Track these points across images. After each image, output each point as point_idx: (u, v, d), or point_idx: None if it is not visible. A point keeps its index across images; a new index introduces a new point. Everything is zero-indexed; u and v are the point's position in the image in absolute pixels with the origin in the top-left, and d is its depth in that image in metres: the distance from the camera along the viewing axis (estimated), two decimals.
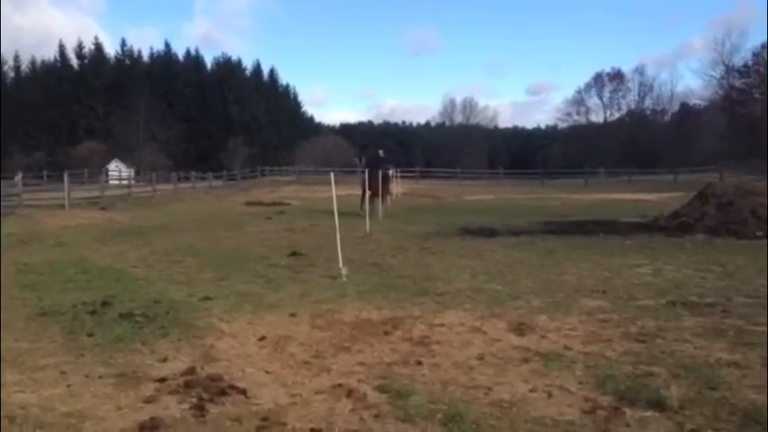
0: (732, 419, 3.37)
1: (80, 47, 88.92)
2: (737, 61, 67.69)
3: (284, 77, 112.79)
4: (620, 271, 8.23)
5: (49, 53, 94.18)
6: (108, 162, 65.35)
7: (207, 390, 3.91)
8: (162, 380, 4.14)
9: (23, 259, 10.39)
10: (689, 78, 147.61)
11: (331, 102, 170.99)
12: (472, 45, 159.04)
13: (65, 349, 4.96)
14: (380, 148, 22.23)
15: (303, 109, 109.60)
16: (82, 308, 6.33)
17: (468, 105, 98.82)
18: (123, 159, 67.67)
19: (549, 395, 3.78)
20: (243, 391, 3.90)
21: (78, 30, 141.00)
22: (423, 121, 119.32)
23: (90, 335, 5.32)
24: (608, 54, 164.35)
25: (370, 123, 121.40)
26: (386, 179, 19.40)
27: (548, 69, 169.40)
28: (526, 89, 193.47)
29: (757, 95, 63.05)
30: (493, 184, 49.33)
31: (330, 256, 9.30)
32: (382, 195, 19.42)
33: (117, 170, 56.64)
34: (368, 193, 18.09)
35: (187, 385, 4.00)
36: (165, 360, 4.60)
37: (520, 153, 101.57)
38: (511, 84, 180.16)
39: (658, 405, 3.52)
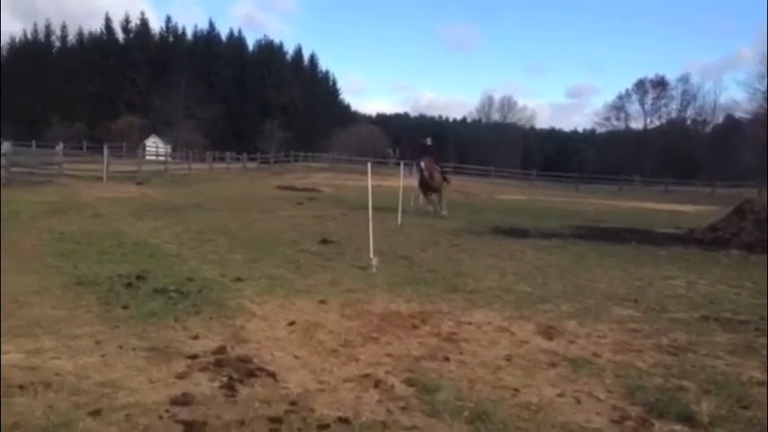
0: None
1: (126, 21, 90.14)
2: None
3: (323, 64, 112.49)
4: (652, 281, 8.12)
5: (96, 25, 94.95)
6: (146, 137, 65.97)
7: (237, 370, 3.97)
8: (193, 357, 4.21)
9: (61, 228, 10.62)
10: (733, 90, 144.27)
11: (368, 91, 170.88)
12: (513, 45, 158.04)
13: (100, 319, 5.07)
14: (427, 137, 20.32)
15: (340, 97, 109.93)
16: (117, 280, 6.47)
17: (507, 104, 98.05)
18: (161, 135, 68.26)
19: (578, 401, 3.76)
20: (272, 374, 3.95)
21: (125, 3, 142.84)
22: (459, 117, 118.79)
23: (125, 307, 5.44)
24: (652, 60, 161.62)
25: (406, 115, 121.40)
26: (434, 168, 17.86)
27: (589, 72, 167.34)
28: (566, 91, 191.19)
29: None
30: (526, 185, 49.01)
31: (360, 245, 9.33)
32: (438, 188, 18.05)
33: (154, 146, 57.32)
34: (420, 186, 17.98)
35: (218, 364, 4.07)
36: (196, 337, 4.68)
37: (554, 155, 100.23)
38: (550, 85, 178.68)
39: (688, 420, 3.48)
